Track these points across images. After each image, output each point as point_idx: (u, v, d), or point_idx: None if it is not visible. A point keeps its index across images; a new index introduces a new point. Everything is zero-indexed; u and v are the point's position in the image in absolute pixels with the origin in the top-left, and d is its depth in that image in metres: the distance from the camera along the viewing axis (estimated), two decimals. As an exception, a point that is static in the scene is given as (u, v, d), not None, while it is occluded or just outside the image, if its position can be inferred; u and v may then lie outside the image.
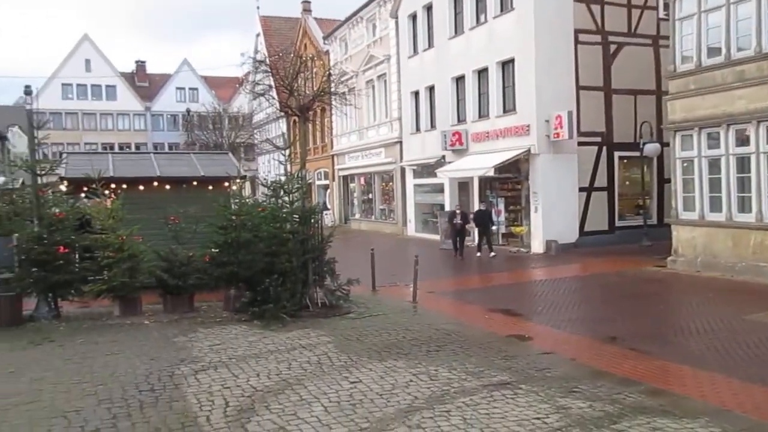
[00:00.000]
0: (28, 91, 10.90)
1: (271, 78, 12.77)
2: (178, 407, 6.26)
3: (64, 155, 14.82)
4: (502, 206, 22.40)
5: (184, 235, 11.89)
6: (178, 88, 67.35)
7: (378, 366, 7.68)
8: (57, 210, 11.29)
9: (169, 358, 8.22)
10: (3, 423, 5.86)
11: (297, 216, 11.92)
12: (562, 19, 20.20)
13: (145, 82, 68.49)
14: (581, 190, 20.79)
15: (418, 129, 28.07)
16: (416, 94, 28.08)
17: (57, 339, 9.48)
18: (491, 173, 21.16)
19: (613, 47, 21.07)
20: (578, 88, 20.49)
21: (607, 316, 10.99)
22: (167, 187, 14.60)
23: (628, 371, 7.52)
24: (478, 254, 20.07)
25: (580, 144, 20.49)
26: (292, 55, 14.37)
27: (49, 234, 11.01)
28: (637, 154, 20.58)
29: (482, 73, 23.20)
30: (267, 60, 12.99)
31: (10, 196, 13.65)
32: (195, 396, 6.60)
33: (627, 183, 22.22)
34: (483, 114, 23.27)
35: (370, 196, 34.55)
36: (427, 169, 26.91)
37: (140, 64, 69.97)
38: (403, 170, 29.48)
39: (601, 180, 21.11)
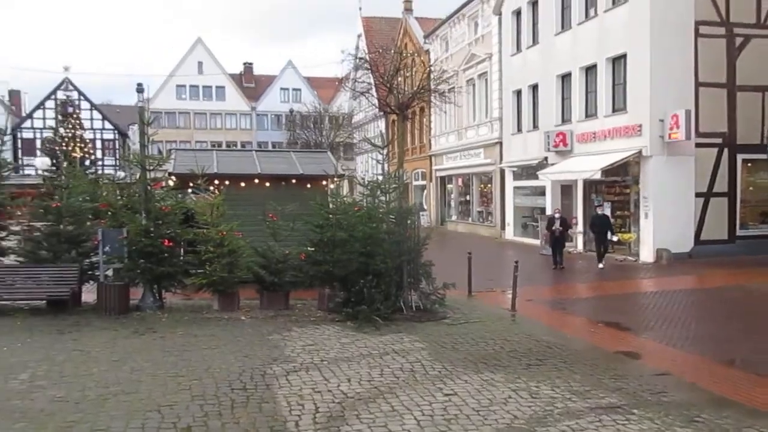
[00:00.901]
0: (140, 88, 11.31)
1: (371, 75, 12.65)
2: (267, 409, 6.14)
3: (173, 151, 15.40)
4: (608, 211, 21.15)
5: (281, 233, 11.95)
6: (282, 89, 69.47)
7: (474, 378, 7.26)
8: (163, 204, 11.65)
9: (263, 356, 8.19)
10: (101, 413, 5.96)
11: (393, 216, 11.69)
12: (680, 11, 18.75)
13: (251, 83, 71.15)
14: (698, 195, 19.22)
15: (519, 129, 27.18)
16: (518, 93, 27.19)
17: (159, 330, 9.74)
18: (598, 176, 20.01)
19: (739, 40, 19.32)
20: (697, 84, 18.94)
21: (729, 336, 9.95)
22: (267, 184, 14.83)
23: (758, 401, 6.66)
24: (601, 266, 17.77)
25: (698, 145, 18.94)
26: (392, 51, 14.13)
27: (156, 227, 11.40)
28: (764, 156, 18.78)
29: (590, 70, 22.03)
30: (367, 56, 12.87)
31: (127, 190, 14.38)
32: (285, 398, 6.46)
33: (751, 188, 20.32)
34: (590, 113, 22.10)
35: (468, 197, 33.91)
36: (527, 171, 25.98)
37: (247, 66, 72.75)
38: (502, 172, 28.67)
39: (722, 185, 19.42)
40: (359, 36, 50.03)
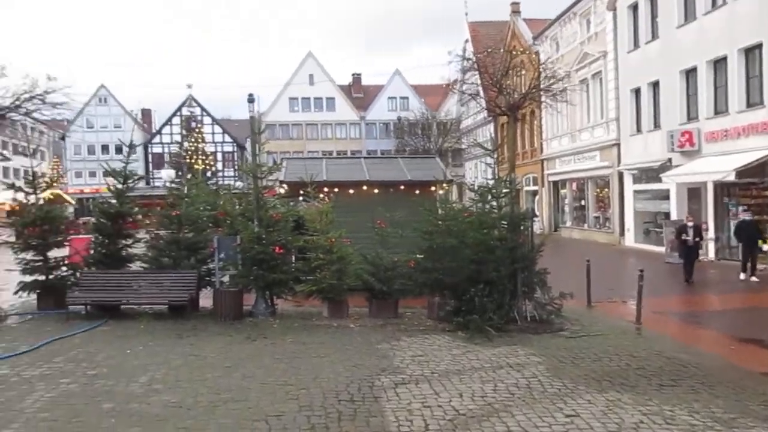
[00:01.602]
0: (251, 99, 11.55)
1: (479, 78, 12.27)
2: (375, 424, 5.89)
3: (284, 160, 15.73)
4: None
5: (390, 239, 11.78)
6: (389, 98, 70.20)
7: (598, 398, 6.63)
8: (274, 212, 11.83)
9: (371, 366, 7.98)
10: (211, 420, 5.97)
11: (505, 222, 11.16)
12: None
13: (360, 93, 72.48)
14: None
15: (638, 130, 25.54)
16: (637, 91, 25.58)
17: (270, 336, 9.83)
18: (731, 177, 18.27)
19: None
20: None
21: None
22: (375, 190, 14.77)
23: None
24: (754, 278, 15.86)
25: None
26: (501, 50, 13.63)
27: (267, 234, 11.59)
28: None
29: (719, 63, 20.28)
30: (474, 57, 12.52)
31: (244, 199, 14.87)
32: (393, 413, 6.18)
33: None
34: (720, 110, 20.31)
35: (583, 202, 32.35)
36: (648, 174, 24.33)
37: (356, 77, 74.22)
38: (620, 175, 27.06)
39: None
40: (466, 41, 49.49)
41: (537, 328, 10.27)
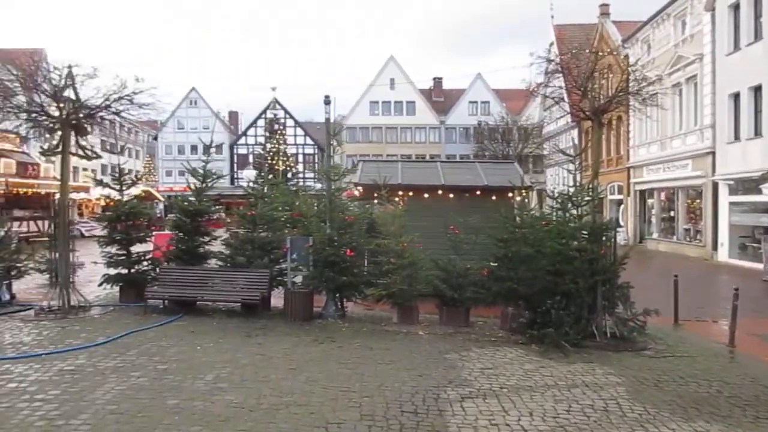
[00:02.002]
0: (327, 101, 11.53)
1: (563, 80, 11.76)
2: (438, 439, 5.62)
3: (359, 162, 15.68)
4: None
5: (463, 246, 11.46)
6: (470, 102, 69.45)
7: (684, 427, 6.08)
8: (347, 214, 11.76)
9: (438, 376, 7.70)
10: (271, 424, 5.88)
11: (586, 232, 10.59)
12: None
13: (440, 98, 72.14)
14: None
15: (737, 137, 23.88)
16: (736, 96, 23.93)
17: (338, 339, 9.72)
18: (842, 190, 16.72)
19: None
20: None
21: None
22: (450, 195, 14.48)
23: None
24: None
25: None
26: (587, 51, 12.98)
27: (339, 236, 11.53)
28: None
29: (832, 66, 18.63)
30: (557, 59, 11.97)
31: (322, 200, 14.94)
32: (458, 429, 5.88)
33: None
34: (831, 116, 18.65)
35: (672, 213, 30.64)
36: (746, 185, 22.67)
37: (437, 81, 73.94)
38: (715, 185, 25.40)
39: None
40: (551, 44, 48.17)
41: (617, 345, 9.66)
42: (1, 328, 10.22)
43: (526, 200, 14.06)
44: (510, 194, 14.34)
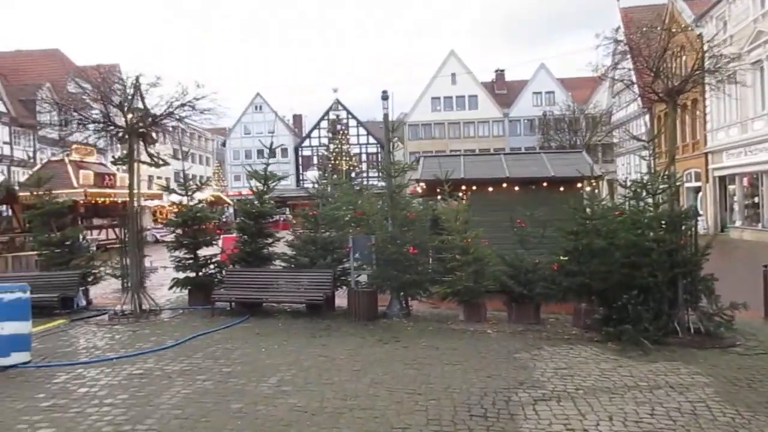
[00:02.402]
0: (384, 96, 11.33)
1: (632, 62, 11.08)
2: (510, 446, 5.29)
3: (420, 158, 15.40)
4: None
5: (530, 240, 11.01)
6: (534, 93, 67.93)
7: (785, 433, 5.50)
8: (409, 211, 11.50)
9: (508, 377, 7.34)
10: (334, 429, 5.70)
11: (663, 222, 9.94)
12: None
13: (503, 90, 70.87)
14: None
15: (827, 114, 22.17)
16: (826, 70, 22.23)
17: (403, 339, 9.48)
18: None
19: None
20: None
21: None
22: (516, 188, 14.01)
23: None
24: None
25: None
26: (658, 28, 12.15)
27: (401, 234, 11.29)
28: None
29: None
30: (626, 39, 11.32)
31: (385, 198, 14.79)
32: (531, 434, 5.54)
33: None
34: None
35: (756, 200, 28.80)
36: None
37: (499, 73, 72.68)
38: (804, 167, 23.68)
39: None
40: (617, 28, 46.30)
41: (702, 342, 9.00)
42: (77, 332, 10.55)
43: (597, 190, 13.41)
44: (579, 185, 13.72)
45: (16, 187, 25.44)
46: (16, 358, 8.28)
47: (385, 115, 11.73)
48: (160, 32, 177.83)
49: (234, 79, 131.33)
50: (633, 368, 7.76)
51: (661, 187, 10.19)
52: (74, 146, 34.44)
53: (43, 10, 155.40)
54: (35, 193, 14.37)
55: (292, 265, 12.61)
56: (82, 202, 30.70)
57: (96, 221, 33.85)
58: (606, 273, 9.81)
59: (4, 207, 31.92)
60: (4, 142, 40.85)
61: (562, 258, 10.62)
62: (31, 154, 42.22)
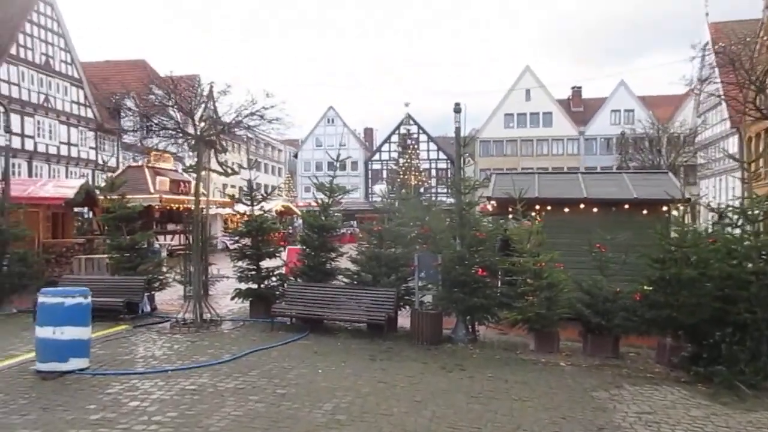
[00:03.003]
0: (457, 108, 10.83)
1: (719, 77, 10.19)
2: (589, 507, 4.61)
3: (492, 175, 14.74)
4: None
5: (610, 266, 10.18)
6: (612, 111, 65.66)
7: None
8: (478, 230, 10.88)
9: (585, 420, 6.61)
10: (388, 471, 5.18)
11: (764, 252, 8.94)
12: None
13: (579, 107, 68.93)
14: None
15: None
16: None
17: (468, 368, 8.86)
18: None
19: None
20: None
21: None
22: (594, 209, 13.12)
23: None
24: None
25: None
26: (758, 44, 11.12)
27: (470, 255, 10.68)
28: None
29: None
30: (721, 49, 10.41)
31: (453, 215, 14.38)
32: (613, 494, 4.83)
33: None
34: None
35: None
36: None
37: (576, 90, 70.80)
38: None
39: None
40: (705, 45, 44.05)
41: (811, 391, 7.95)
42: (137, 340, 10.49)
43: (686, 214, 12.38)
44: (664, 208, 12.71)
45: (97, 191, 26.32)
46: (75, 363, 8.21)
47: (457, 129, 11.19)
48: (237, 45, 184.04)
49: (306, 90, 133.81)
50: (729, 417, 6.88)
51: (762, 213, 9.19)
52: (153, 153, 35.64)
53: (137, 24, 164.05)
54: (108, 197, 14.63)
55: (355, 282, 12.20)
56: (157, 207, 31.58)
57: (170, 227, 34.76)
58: (696, 306, 8.91)
59: (85, 210, 33.28)
60: (91, 147, 42.82)
61: (645, 287, 9.75)
62: (114, 160, 44.06)
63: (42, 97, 38.02)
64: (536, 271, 10.16)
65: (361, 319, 11.17)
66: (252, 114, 11.99)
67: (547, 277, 10.10)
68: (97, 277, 14.01)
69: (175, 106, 11.69)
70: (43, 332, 8.20)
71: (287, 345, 10.11)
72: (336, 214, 13.12)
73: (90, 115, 41.85)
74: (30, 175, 35.97)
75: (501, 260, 10.90)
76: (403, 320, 11.64)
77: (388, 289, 11.38)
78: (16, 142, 35.76)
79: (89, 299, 8.56)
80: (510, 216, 13.06)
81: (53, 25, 39.35)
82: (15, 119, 35.83)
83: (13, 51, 35.52)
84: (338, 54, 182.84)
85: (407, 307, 11.83)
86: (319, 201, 12.85)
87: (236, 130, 12.28)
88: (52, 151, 38.94)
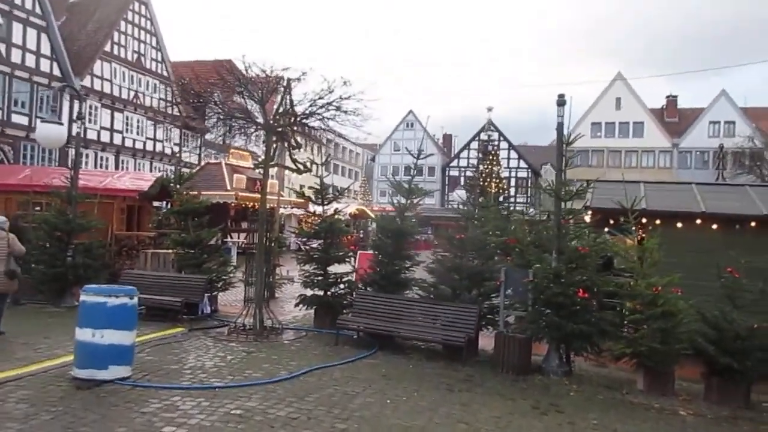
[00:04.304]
0: (561, 101, 9.35)
1: None
2: None
3: (591, 182, 13.04)
4: None
5: (743, 296, 8.38)
6: (711, 122, 61.20)
7: None
8: (579, 244, 9.27)
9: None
10: None
11: None
12: None
13: (674, 118, 64.75)
14: None
15: None
16: None
17: (566, 409, 7.33)
18: None
19: None
20: None
21: None
22: (714, 226, 11.25)
23: None
24: None
25: None
26: None
27: (568, 272, 9.11)
28: None
29: None
30: None
31: (536, 226, 13.04)
32: None
33: None
34: None
35: None
36: None
37: (671, 99, 66.61)
38: None
39: None
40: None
41: None
42: (190, 346, 9.55)
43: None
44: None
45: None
46: (114, 372, 7.30)
47: (560, 124, 9.67)
48: (319, 35, 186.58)
49: (388, 91, 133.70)
50: None
51: None
52: (231, 151, 35.62)
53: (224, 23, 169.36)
54: (175, 191, 14.00)
55: (431, 296, 10.85)
56: (233, 204, 31.41)
57: (244, 225, 34.60)
58: None
59: (164, 204, 33.61)
60: (175, 144, 43.58)
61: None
62: (196, 158, 44.71)
63: (132, 93, 38.92)
64: (650, 296, 8.50)
65: (437, 340, 9.79)
66: (328, 104, 10.90)
67: (662, 305, 8.43)
68: (157, 274, 13.31)
69: (245, 93, 10.77)
70: (83, 334, 7.33)
71: (353, 364, 8.89)
72: (412, 219, 11.82)
73: (176, 112, 42.61)
74: (117, 168, 36.77)
75: (605, 281, 9.27)
76: (483, 341, 10.21)
77: (470, 307, 9.97)
78: (105, 137, 36.73)
79: (135, 299, 7.64)
80: (606, 229, 11.49)
81: (146, 24, 40.27)
82: (105, 114, 36.79)
83: (107, 48, 36.50)
84: (417, 53, 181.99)
85: (489, 327, 10.40)
86: (397, 204, 11.58)
87: (310, 121, 11.20)
88: (139, 146, 39.81)
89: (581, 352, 9.22)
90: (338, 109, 11.13)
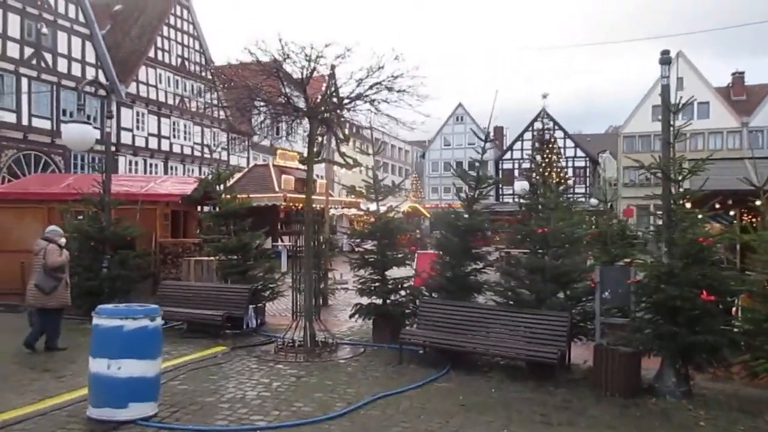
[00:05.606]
0: (665, 59, 7.62)
1: None
2: None
3: (690, 162, 11.14)
4: None
5: None
6: (785, 98, 57.08)
7: None
8: (698, 234, 7.43)
9: None
10: None
11: None
12: None
13: (742, 96, 60.76)
14: None
15: None
16: None
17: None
18: None
19: None
20: None
21: None
22: None
23: None
24: None
25: None
26: None
27: (684, 268, 7.32)
28: None
29: None
30: None
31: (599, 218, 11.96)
32: None
33: None
34: None
35: None
36: None
37: (737, 76, 62.57)
38: None
39: None
40: None
41: None
42: (231, 369, 8.21)
43: None
44: None
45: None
46: (136, 410, 6.00)
47: (664, 87, 7.95)
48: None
49: (438, 84, 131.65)
50: None
51: None
52: (279, 151, 34.64)
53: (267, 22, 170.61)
54: (215, 194, 12.82)
55: (510, 302, 9.19)
56: (282, 207, 30.43)
57: (294, 227, 33.61)
58: None
59: (209, 208, 32.96)
60: (223, 148, 43.00)
61: None
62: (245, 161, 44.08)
63: (177, 98, 38.50)
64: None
65: (521, 355, 8.13)
66: (378, 83, 9.41)
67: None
68: (197, 285, 12.14)
69: (282, 75, 9.39)
70: (96, 365, 6.08)
71: (422, 389, 7.36)
72: (481, 212, 10.20)
73: (222, 115, 42.05)
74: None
75: (738, 279, 7.45)
76: (575, 350, 8.54)
77: (560, 314, 8.27)
78: (153, 143, 36.38)
79: (158, 320, 6.32)
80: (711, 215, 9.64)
81: (189, 28, 39.83)
82: (152, 120, 36.44)
83: (151, 54, 36.12)
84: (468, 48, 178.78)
85: (584, 338, 8.70)
86: (464, 194, 9.92)
87: (357, 105, 9.72)
88: (187, 151, 39.39)
89: (706, 368, 7.42)
90: (390, 89, 9.62)
